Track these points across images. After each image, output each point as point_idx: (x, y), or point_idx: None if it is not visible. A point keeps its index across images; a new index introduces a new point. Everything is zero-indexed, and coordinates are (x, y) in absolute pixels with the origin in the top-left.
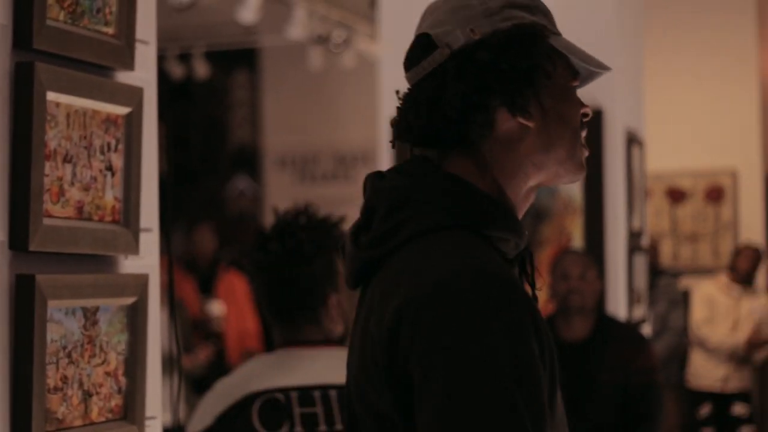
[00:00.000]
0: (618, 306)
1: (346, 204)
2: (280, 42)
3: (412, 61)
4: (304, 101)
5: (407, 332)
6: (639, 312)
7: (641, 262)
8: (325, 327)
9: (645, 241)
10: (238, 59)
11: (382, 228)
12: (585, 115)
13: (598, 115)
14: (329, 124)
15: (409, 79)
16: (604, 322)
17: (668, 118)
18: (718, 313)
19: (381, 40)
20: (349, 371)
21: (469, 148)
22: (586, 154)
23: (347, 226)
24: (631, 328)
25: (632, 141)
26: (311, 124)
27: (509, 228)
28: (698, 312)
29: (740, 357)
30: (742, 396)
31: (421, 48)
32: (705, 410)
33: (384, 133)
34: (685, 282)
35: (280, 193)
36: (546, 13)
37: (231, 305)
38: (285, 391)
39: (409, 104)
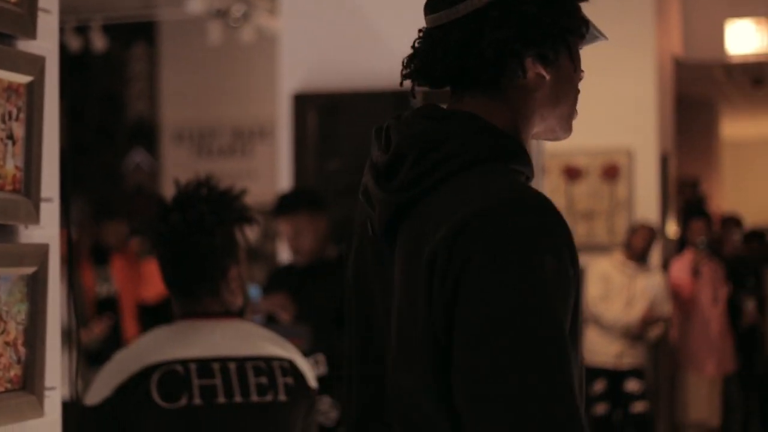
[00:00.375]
0: None
1: (243, 178)
2: (179, 16)
3: (440, 4)
4: (202, 75)
5: (469, 243)
6: None
7: None
8: (225, 299)
9: None
10: (137, 32)
11: (417, 170)
12: (580, 78)
13: None
14: (227, 98)
15: (433, 20)
16: None
17: None
18: (612, 290)
19: (280, 15)
20: (394, 340)
21: (494, 91)
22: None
23: (248, 199)
24: None
25: None
26: (209, 99)
27: (526, 163)
28: (593, 289)
29: (634, 334)
30: (636, 372)
31: None
32: (599, 386)
33: (283, 108)
34: (580, 259)
35: (177, 168)
36: None
37: (127, 278)
38: (184, 362)
39: (434, 44)
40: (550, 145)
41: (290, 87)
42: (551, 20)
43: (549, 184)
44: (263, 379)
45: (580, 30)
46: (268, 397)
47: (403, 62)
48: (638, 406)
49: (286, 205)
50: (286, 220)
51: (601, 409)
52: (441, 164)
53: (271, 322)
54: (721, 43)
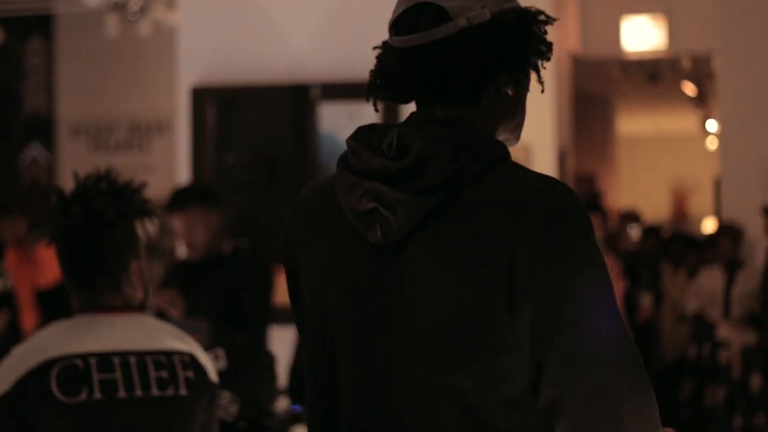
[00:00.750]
0: None
1: (140, 173)
2: (76, 9)
3: (413, 27)
4: (99, 69)
5: (534, 221)
6: None
7: None
8: (126, 293)
9: None
10: (33, 25)
11: (452, 167)
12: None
13: None
14: (125, 92)
15: (405, 41)
16: None
17: None
18: None
19: (178, 9)
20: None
21: (471, 106)
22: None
23: (148, 193)
24: None
25: None
26: (106, 93)
27: None
28: None
29: None
30: None
31: (429, 16)
32: None
33: (181, 102)
34: None
35: (73, 162)
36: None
37: (21, 269)
38: (84, 356)
39: (408, 64)
40: None
41: (188, 81)
42: (525, 45)
43: None
44: (164, 373)
45: (547, 53)
46: (169, 392)
47: (372, 76)
48: None
49: (178, 200)
50: (179, 215)
51: None
52: (473, 163)
53: (161, 317)
54: (617, 39)
